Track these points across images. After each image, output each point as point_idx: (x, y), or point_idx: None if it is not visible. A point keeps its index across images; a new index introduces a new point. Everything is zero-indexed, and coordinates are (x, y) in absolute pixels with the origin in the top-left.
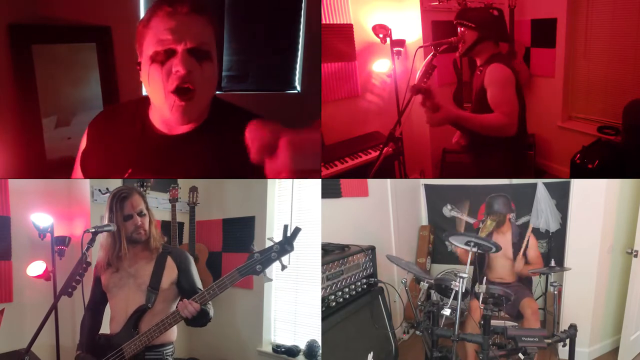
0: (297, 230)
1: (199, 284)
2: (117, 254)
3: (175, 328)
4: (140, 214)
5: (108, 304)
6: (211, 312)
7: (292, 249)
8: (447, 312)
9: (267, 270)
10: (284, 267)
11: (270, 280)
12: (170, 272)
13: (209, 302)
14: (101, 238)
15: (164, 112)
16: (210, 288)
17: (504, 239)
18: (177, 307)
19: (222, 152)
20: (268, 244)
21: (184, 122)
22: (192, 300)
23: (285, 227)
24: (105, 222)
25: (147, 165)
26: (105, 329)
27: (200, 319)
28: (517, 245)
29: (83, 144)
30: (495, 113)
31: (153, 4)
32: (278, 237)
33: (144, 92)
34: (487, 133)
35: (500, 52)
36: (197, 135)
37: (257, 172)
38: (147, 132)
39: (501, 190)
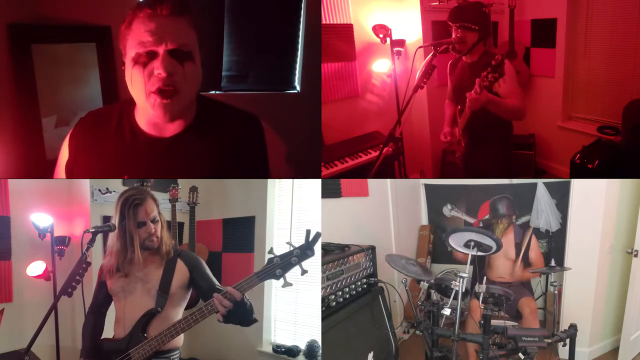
0: (318, 235)
1: (217, 282)
2: (129, 260)
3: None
4: (154, 221)
5: (111, 307)
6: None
7: (313, 253)
8: (447, 311)
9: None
10: (304, 272)
11: (290, 284)
12: (181, 275)
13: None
14: (110, 242)
15: (147, 110)
16: (227, 293)
17: (506, 239)
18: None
19: (216, 150)
20: (287, 248)
21: (167, 119)
22: (208, 303)
23: (308, 231)
24: (115, 225)
25: (141, 170)
26: (108, 332)
27: (239, 312)
28: (519, 246)
29: (64, 156)
30: (511, 101)
31: (134, 7)
32: (279, 239)
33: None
34: (507, 117)
35: (487, 49)
36: (187, 135)
37: (251, 168)
38: (137, 136)
39: (501, 190)
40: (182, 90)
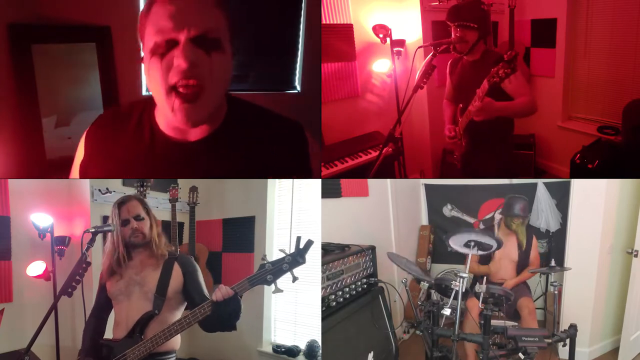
0: (309, 242)
1: (207, 292)
2: (117, 259)
3: (178, 336)
4: (137, 218)
5: (112, 310)
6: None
7: (304, 261)
8: (447, 311)
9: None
10: (295, 279)
11: (281, 291)
12: (177, 279)
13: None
14: (105, 245)
15: (166, 112)
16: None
17: (510, 241)
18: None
19: (248, 159)
20: (279, 254)
21: (189, 124)
22: (201, 306)
23: (298, 238)
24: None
25: (159, 175)
26: (108, 334)
27: (230, 306)
28: (522, 249)
29: (79, 154)
30: (521, 98)
31: None
32: (279, 239)
33: (144, 92)
34: (521, 116)
35: (488, 48)
36: (215, 140)
37: (283, 175)
38: (157, 138)
39: (501, 190)
40: (208, 87)
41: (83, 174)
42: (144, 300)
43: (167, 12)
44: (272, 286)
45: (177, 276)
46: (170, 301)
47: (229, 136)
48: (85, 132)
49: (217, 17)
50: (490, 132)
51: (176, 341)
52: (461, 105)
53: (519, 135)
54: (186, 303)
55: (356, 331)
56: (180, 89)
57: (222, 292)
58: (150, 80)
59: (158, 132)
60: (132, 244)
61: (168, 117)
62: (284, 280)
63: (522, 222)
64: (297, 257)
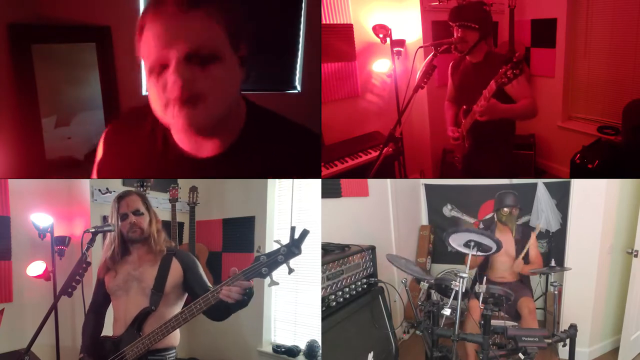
0: (305, 232)
1: (209, 285)
2: (111, 253)
3: (177, 332)
4: (136, 213)
5: (111, 306)
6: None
7: (299, 252)
8: (447, 312)
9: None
10: (291, 271)
11: (277, 284)
12: (175, 274)
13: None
14: (105, 240)
15: (169, 122)
16: (215, 290)
17: (506, 236)
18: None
19: (264, 173)
20: (275, 246)
21: (192, 129)
22: (196, 302)
23: (293, 229)
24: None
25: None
26: (108, 331)
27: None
28: (519, 243)
29: (98, 154)
30: (523, 101)
31: (145, 7)
32: (283, 237)
33: (144, 92)
34: (523, 118)
35: (491, 49)
36: (230, 156)
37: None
38: (169, 148)
39: (502, 190)
40: (210, 96)
41: (99, 174)
42: (142, 295)
43: (155, 32)
44: (268, 279)
45: (175, 271)
46: (168, 296)
47: (243, 156)
48: (104, 132)
49: (209, 28)
50: (493, 133)
51: (175, 337)
52: (464, 107)
53: (519, 135)
54: (185, 298)
55: (356, 331)
56: (179, 101)
57: (235, 291)
58: (151, 98)
59: (171, 141)
60: (130, 239)
61: (173, 127)
62: (283, 278)
63: (510, 213)
64: (292, 248)
